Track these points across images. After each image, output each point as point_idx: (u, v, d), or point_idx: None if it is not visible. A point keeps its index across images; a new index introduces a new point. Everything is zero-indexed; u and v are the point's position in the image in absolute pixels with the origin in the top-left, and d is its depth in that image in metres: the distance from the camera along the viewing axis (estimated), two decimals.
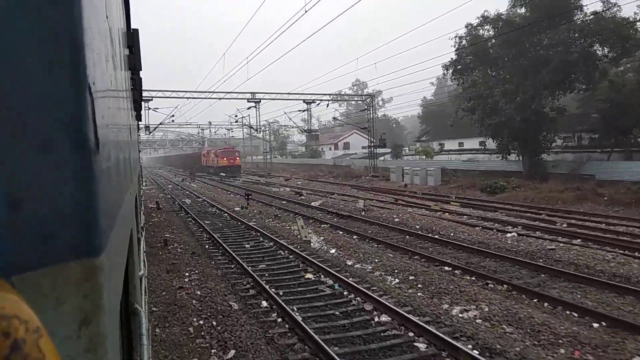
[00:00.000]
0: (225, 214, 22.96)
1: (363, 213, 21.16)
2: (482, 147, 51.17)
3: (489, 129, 31.95)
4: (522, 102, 29.72)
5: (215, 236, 16.26)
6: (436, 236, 14.92)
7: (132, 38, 3.67)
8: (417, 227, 16.70)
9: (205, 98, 38.07)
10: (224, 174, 50.91)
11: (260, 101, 39.30)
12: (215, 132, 72.76)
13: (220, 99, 38.09)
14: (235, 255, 12.99)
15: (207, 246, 15.16)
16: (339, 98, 39.91)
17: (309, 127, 42.59)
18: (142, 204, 12.27)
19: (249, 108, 39.84)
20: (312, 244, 14.63)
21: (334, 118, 44.49)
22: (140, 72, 5.63)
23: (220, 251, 14.28)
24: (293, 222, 19.30)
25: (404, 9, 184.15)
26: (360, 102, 42.82)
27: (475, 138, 52.56)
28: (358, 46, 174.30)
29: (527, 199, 23.04)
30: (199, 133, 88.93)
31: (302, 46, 37.07)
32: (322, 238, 15.44)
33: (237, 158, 51.79)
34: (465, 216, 19.24)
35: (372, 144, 42.66)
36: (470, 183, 30.91)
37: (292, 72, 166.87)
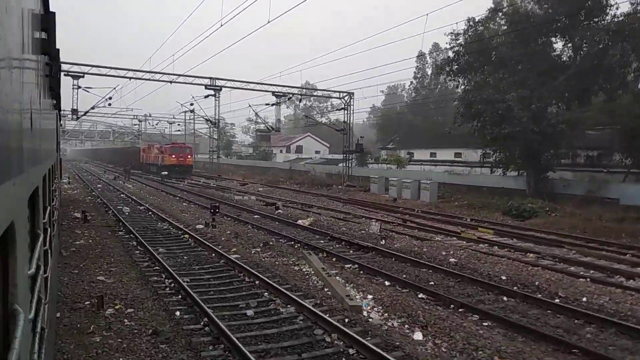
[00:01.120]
0: (185, 235, 16.33)
1: (383, 242, 15.42)
2: (458, 158, 47.54)
3: (497, 140, 27.41)
4: (537, 111, 25.53)
5: (185, 285, 9.79)
6: (562, 303, 9.38)
7: (47, 21, 3.45)
8: (503, 278, 11.17)
9: (151, 80, 30.73)
10: (166, 174, 43.15)
11: (221, 89, 32.45)
12: (155, 124, 63.94)
13: (171, 82, 30.86)
14: (242, 348, 6.70)
15: (176, 311, 8.65)
16: (314, 93, 34.00)
17: (277, 126, 36.23)
18: (58, 201, 10.44)
19: (206, 97, 32.77)
20: (365, 313, 8.61)
21: (306, 116, 38.45)
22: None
23: (205, 328, 7.88)
24: (295, 256, 13.15)
25: (363, 13, 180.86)
26: (338, 99, 37.13)
27: (450, 149, 48.81)
28: (309, 45, 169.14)
29: (576, 228, 18.41)
30: (134, 125, 79.58)
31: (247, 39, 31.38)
32: (370, 297, 9.45)
33: (189, 156, 44.24)
34: (530, 254, 14.06)
35: (347, 149, 37.11)
36: (477, 201, 26.19)
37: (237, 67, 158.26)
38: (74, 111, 29.81)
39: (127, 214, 21.55)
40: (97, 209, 23.01)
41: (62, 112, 23.09)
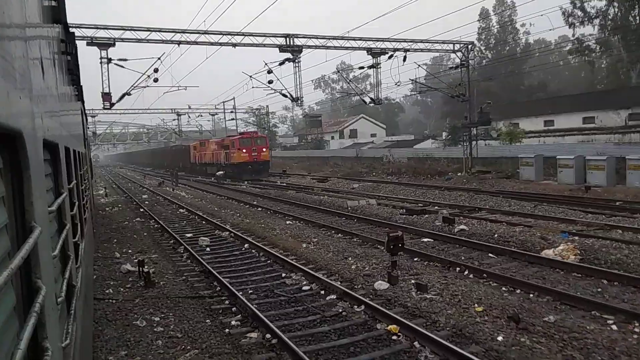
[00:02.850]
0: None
1: None
2: (590, 124, 37.04)
3: None
4: None
5: None
6: None
7: None
8: None
9: (207, 43, 21.67)
10: (223, 175, 34.13)
11: (301, 50, 23.17)
12: (197, 117, 55.43)
13: (234, 45, 21.86)
14: None
15: None
16: (426, 47, 24.42)
17: (378, 96, 26.71)
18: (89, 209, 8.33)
19: (281, 63, 23.42)
20: None
21: (415, 81, 28.73)
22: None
23: None
24: None
25: None
26: (452, 52, 27.29)
27: (575, 113, 38.42)
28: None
29: None
30: (166, 124, 71.65)
31: None
32: None
33: (265, 149, 34.65)
34: None
35: (468, 123, 27.35)
36: None
37: None
38: (106, 96, 21.16)
39: (207, 250, 12.72)
40: (154, 242, 14.28)
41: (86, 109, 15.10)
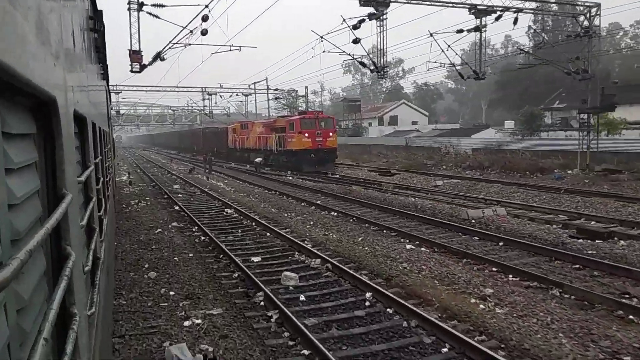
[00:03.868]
0: None
1: None
2: None
3: None
4: None
5: None
6: None
7: None
8: None
9: None
10: (294, 167, 27.65)
11: (388, 4, 17.34)
12: (229, 97, 50.10)
13: None
14: None
15: None
16: (539, 7, 18.70)
17: (482, 70, 20.93)
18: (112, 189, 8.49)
19: (360, 22, 17.65)
20: None
21: (522, 49, 22.72)
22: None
23: None
24: None
25: None
26: (571, 16, 21.25)
27: None
28: None
29: None
30: (191, 104, 67.09)
31: None
32: None
33: (332, 133, 27.68)
34: None
35: (588, 108, 21.37)
36: None
37: None
38: (135, 55, 15.93)
39: (302, 298, 7.52)
40: (208, 274, 9.11)
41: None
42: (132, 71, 16.79)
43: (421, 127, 64.29)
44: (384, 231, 12.18)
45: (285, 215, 15.11)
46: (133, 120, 79.98)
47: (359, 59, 19.90)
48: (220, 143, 39.97)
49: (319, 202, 17.66)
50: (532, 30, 62.24)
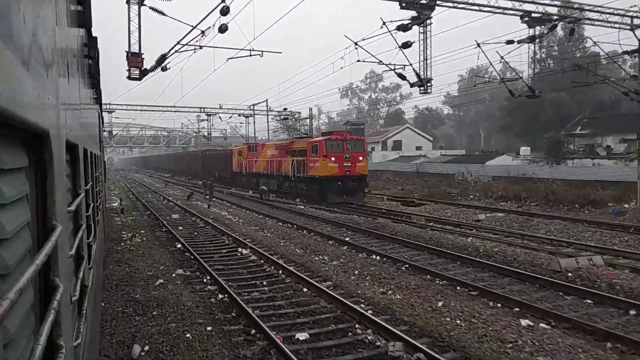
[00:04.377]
0: None
1: None
2: None
3: None
4: None
5: None
6: None
7: None
8: None
9: None
10: (317, 197, 23.80)
11: (433, 7, 14.40)
12: (229, 118, 47.32)
13: None
14: None
15: None
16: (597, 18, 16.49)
17: (532, 87, 18.35)
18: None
19: (404, 27, 14.95)
20: None
21: (579, 66, 20.33)
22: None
23: None
24: None
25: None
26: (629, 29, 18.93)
27: None
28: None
29: None
30: (188, 124, 64.84)
31: None
32: None
33: (362, 158, 23.83)
34: None
35: None
36: None
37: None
38: (134, 59, 13.02)
39: None
40: None
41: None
42: (130, 77, 13.86)
43: (427, 152, 62.17)
44: (458, 288, 9.29)
45: (316, 258, 12.20)
46: (126, 142, 77.10)
47: (397, 70, 17.21)
48: (223, 167, 36.85)
49: (347, 239, 14.82)
50: (537, 55, 60.94)
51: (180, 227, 17.66)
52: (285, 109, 43.94)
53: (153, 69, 13.79)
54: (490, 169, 34.35)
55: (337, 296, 8.48)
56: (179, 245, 14.12)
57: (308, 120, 47.18)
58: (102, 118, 14.11)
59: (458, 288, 9.28)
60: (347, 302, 8.13)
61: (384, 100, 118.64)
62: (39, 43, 1.28)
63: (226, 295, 8.93)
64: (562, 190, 22.01)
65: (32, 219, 1.33)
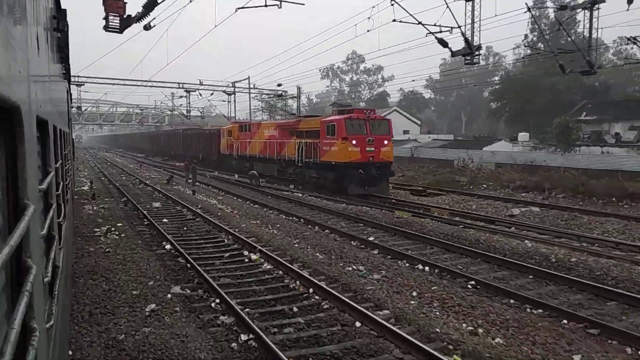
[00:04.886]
0: None
1: None
2: None
3: None
4: None
5: None
6: None
7: None
8: None
9: None
10: (336, 186, 20.12)
11: None
12: (210, 95, 43.67)
13: None
14: None
15: None
16: None
17: (592, 59, 15.99)
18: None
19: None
20: None
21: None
22: None
23: None
24: None
25: None
26: None
27: None
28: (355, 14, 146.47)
29: None
30: (162, 103, 61.24)
31: None
32: None
33: (387, 141, 20.11)
34: None
35: None
36: None
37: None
38: (113, 1, 9.88)
39: None
40: None
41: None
42: (107, 28, 10.56)
43: (416, 136, 60.17)
44: (564, 321, 6.83)
45: (349, 268, 9.57)
46: (95, 119, 72.28)
47: (444, 31, 14.40)
48: (208, 148, 33.16)
49: (372, 238, 12.28)
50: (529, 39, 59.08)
51: (164, 220, 14.72)
52: (279, 84, 40.62)
53: (139, 18, 10.56)
54: (492, 156, 32.29)
55: (415, 341, 5.88)
56: (167, 246, 11.27)
57: (298, 99, 44.08)
58: (71, 94, 13.47)
59: (564, 321, 6.82)
60: (434, 353, 5.54)
61: (365, 82, 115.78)
62: (7, 12, 1.20)
63: (249, 334, 6.24)
64: (589, 181, 19.95)
65: (2, 198, 1.28)
